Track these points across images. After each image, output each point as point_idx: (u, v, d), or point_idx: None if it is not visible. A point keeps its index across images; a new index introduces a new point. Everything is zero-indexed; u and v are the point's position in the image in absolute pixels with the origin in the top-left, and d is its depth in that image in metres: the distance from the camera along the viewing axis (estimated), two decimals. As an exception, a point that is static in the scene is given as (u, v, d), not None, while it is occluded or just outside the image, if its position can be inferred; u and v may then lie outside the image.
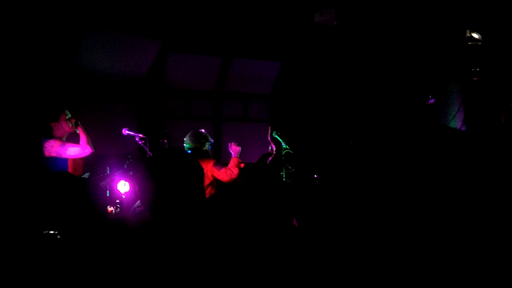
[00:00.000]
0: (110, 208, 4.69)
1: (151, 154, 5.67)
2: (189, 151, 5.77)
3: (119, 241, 2.30)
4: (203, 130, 6.03)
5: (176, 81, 8.54)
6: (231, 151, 6.01)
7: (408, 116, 8.40)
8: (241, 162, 5.89)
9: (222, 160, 7.18)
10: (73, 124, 5.13)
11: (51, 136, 5.12)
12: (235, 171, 5.65)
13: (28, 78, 4.77)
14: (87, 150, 5.14)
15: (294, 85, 9.14)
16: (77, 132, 5.17)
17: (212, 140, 6.07)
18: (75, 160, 5.23)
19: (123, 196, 5.78)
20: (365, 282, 2.15)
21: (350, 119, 8.72)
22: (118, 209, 4.77)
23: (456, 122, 7.51)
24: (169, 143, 6.26)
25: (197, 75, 8.63)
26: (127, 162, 5.56)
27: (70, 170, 5.14)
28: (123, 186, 5.73)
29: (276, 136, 6.43)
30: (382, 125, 8.46)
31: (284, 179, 6.34)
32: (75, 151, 5.09)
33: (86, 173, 5.35)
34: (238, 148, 5.98)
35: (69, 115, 5.25)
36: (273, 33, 8.19)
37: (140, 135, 5.74)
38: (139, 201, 5.71)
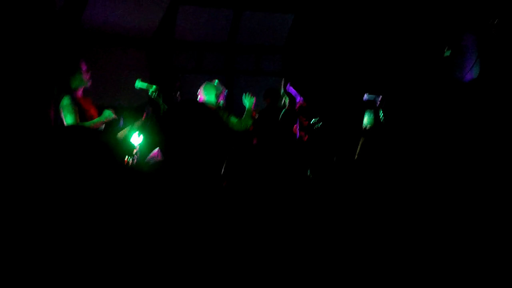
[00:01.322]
0: (127, 159, 4.70)
1: (164, 106, 5.64)
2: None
3: (137, 189, 2.31)
4: (216, 81, 5.99)
5: (187, 34, 8.44)
6: (245, 102, 5.99)
7: (424, 68, 8.28)
8: (254, 112, 5.94)
9: (234, 111, 7.15)
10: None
11: (73, 89, 5.13)
12: (249, 122, 5.70)
13: (40, 34, 4.72)
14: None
15: (308, 38, 8.99)
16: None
17: (227, 91, 6.04)
18: (90, 114, 5.24)
19: (137, 148, 5.80)
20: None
21: (365, 71, 8.61)
22: (135, 159, 4.79)
23: (472, 76, 7.41)
24: (181, 96, 6.21)
25: (208, 28, 8.52)
26: (147, 112, 5.54)
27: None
28: (136, 138, 5.74)
29: (290, 89, 6.39)
30: (398, 78, 8.35)
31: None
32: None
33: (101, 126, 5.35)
34: (254, 99, 5.98)
35: (82, 69, 5.24)
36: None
37: (153, 86, 5.70)
38: (151, 154, 5.75)
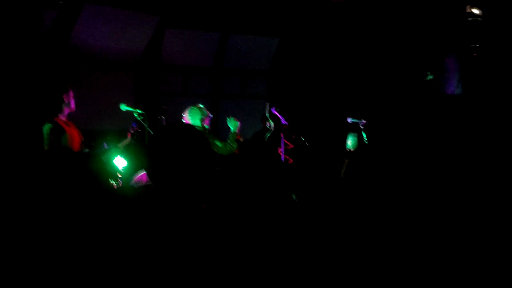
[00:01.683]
0: (112, 182, 4.68)
1: (150, 130, 5.64)
2: (188, 127, 5.78)
3: (125, 212, 2.31)
4: (201, 105, 6.01)
5: (174, 58, 8.48)
6: (230, 126, 6.02)
7: (407, 92, 8.38)
8: (239, 135, 5.96)
9: (219, 136, 7.16)
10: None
11: (60, 111, 5.14)
12: (234, 145, 5.73)
13: (28, 55, 4.71)
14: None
15: (293, 62, 9.08)
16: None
17: (212, 116, 6.07)
18: (74, 137, 5.23)
19: (121, 171, 5.77)
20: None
21: (349, 95, 8.70)
22: (120, 183, 4.77)
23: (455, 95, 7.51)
24: (167, 119, 6.22)
25: (195, 52, 8.58)
26: (131, 130, 5.53)
27: (69, 145, 5.15)
28: (120, 162, 5.71)
29: (276, 113, 6.43)
30: (381, 101, 8.44)
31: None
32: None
33: (84, 150, 5.34)
34: (238, 123, 6.01)
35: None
36: (272, 8, 8.11)
37: (138, 111, 5.71)
38: (135, 178, 5.73)
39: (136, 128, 5.53)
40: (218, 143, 5.66)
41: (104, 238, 2.19)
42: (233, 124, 5.96)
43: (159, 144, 2.28)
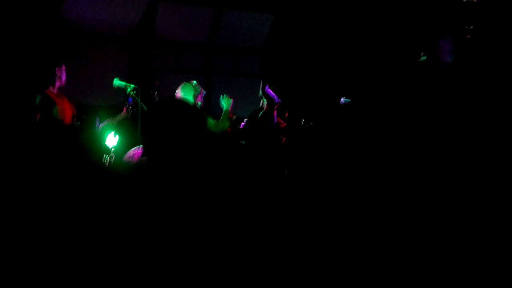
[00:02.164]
0: (104, 157, 4.66)
1: (143, 105, 5.61)
2: (181, 102, 5.75)
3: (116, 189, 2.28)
4: (195, 82, 5.98)
5: (166, 33, 8.40)
6: (222, 104, 6.00)
7: (399, 73, 8.38)
8: (232, 114, 5.93)
9: (212, 113, 7.14)
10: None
11: (46, 85, 5.09)
12: (227, 123, 5.70)
13: (19, 26, 4.66)
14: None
15: (287, 39, 9.02)
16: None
17: (205, 92, 6.04)
18: (65, 110, 5.19)
19: (112, 148, 5.74)
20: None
21: (342, 74, 8.68)
22: (113, 157, 4.75)
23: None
24: (159, 95, 6.20)
25: (188, 27, 8.49)
26: (126, 106, 5.50)
27: (60, 118, 5.11)
28: (112, 139, 5.67)
29: (269, 91, 6.41)
30: (374, 81, 8.43)
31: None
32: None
33: (76, 124, 5.30)
34: (231, 101, 5.98)
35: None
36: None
37: (132, 85, 5.66)
38: (127, 155, 5.71)
39: (131, 104, 5.49)
40: (211, 121, 5.64)
41: (94, 218, 2.18)
42: (226, 102, 5.93)
43: (153, 119, 2.25)
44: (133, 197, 2.14)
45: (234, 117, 5.90)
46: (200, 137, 2.23)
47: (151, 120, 2.27)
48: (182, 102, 2.40)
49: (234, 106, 6.12)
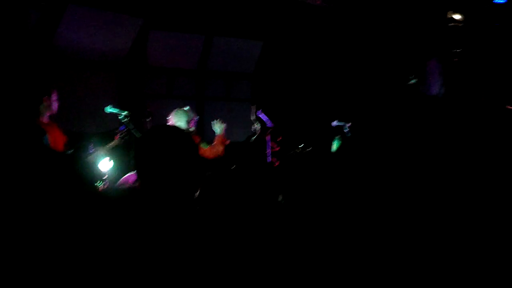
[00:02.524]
0: (98, 184, 4.65)
1: (136, 132, 5.62)
2: (174, 130, 5.77)
3: (110, 215, 2.28)
4: (187, 108, 6.02)
5: (158, 59, 8.45)
6: (215, 129, 6.04)
7: (389, 96, 8.47)
8: (226, 139, 5.96)
9: (205, 138, 7.14)
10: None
11: (37, 114, 5.10)
12: (221, 148, 5.74)
13: (11, 57, 4.67)
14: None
15: (277, 64, 9.10)
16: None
17: (198, 117, 6.07)
18: (55, 139, 5.19)
19: (106, 174, 5.73)
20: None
21: (332, 98, 8.75)
22: (107, 184, 4.74)
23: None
24: (151, 122, 6.20)
25: (179, 54, 8.55)
26: (120, 133, 5.49)
27: (52, 147, 5.10)
28: (106, 164, 5.67)
29: (262, 115, 6.44)
30: (364, 103, 8.51)
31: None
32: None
33: (68, 152, 5.29)
34: (223, 125, 6.02)
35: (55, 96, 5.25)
36: (256, 11, 8.13)
37: (124, 112, 5.68)
38: (121, 181, 5.69)
39: (124, 131, 5.50)
40: (205, 146, 5.67)
41: (89, 242, 2.17)
42: (218, 127, 5.99)
43: (146, 146, 2.26)
44: (126, 221, 2.14)
45: (228, 142, 5.95)
46: (192, 162, 2.25)
47: (144, 147, 2.28)
48: (174, 129, 2.42)
49: (226, 130, 6.15)
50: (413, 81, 8.16)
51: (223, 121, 6.10)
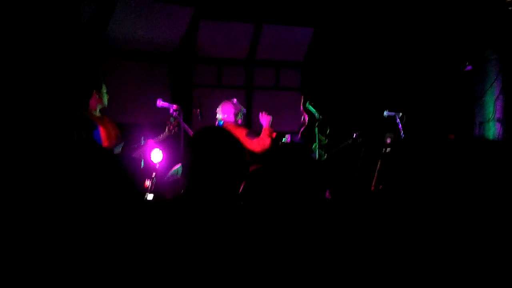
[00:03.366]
0: (147, 182, 4.74)
1: (185, 126, 5.70)
2: (221, 122, 5.81)
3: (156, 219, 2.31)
4: (235, 100, 6.03)
5: (208, 49, 8.49)
6: (262, 121, 6.03)
7: (445, 84, 8.22)
8: (273, 132, 5.91)
9: (252, 128, 7.16)
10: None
11: (87, 107, 5.24)
12: (268, 141, 5.70)
13: (65, 48, 4.78)
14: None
15: (328, 53, 8.97)
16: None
17: (245, 110, 6.08)
18: (108, 132, 5.31)
19: (157, 166, 5.84)
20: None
21: (385, 87, 8.57)
22: (155, 181, 4.82)
23: (494, 91, 7.35)
24: (201, 112, 6.26)
25: (229, 43, 8.57)
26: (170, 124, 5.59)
27: (104, 140, 5.23)
28: (156, 155, 5.78)
29: (309, 107, 6.37)
30: (419, 94, 8.29)
31: (316, 150, 6.31)
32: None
33: (120, 145, 5.41)
34: (269, 118, 5.99)
35: (105, 89, 5.37)
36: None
37: (174, 106, 5.76)
38: (172, 170, 5.78)
39: (174, 123, 5.58)
40: (251, 140, 5.66)
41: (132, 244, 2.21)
42: (265, 120, 5.96)
43: (193, 150, 2.28)
44: (171, 222, 2.17)
45: (275, 134, 5.90)
46: (237, 169, 2.26)
47: (192, 150, 2.31)
48: (222, 133, 2.43)
49: (275, 120, 6.12)
50: (468, 68, 7.89)
51: (270, 113, 6.08)
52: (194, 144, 2.36)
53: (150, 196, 4.69)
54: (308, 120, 6.43)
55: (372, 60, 8.77)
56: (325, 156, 6.43)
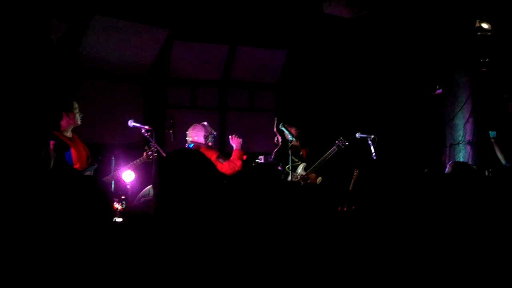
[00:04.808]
0: (116, 205, 4.67)
1: (158, 148, 5.66)
2: (191, 145, 5.82)
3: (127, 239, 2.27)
4: (205, 123, 6.06)
5: (182, 70, 8.49)
6: (232, 144, 6.08)
7: (415, 107, 8.35)
8: (243, 154, 5.97)
9: (226, 149, 7.15)
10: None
11: (58, 128, 5.16)
12: (238, 163, 5.78)
13: (35, 68, 4.72)
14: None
15: (301, 75, 9.05)
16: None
17: (215, 133, 6.12)
18: (79, 153, 5.24)
19: (128, 186, 5.78)
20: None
21: (356, 109, 8.67)
22: (124, 205, 4.75)
23: (464, 114, 7.47)
24: (174, 133, 6.23)
25: (203, 64, 8.58)
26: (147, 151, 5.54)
27: (74, 162, 5.15)
28: (128, 176, 5.72)
29: (283, 128, 6.40)
30: (389, 115, 8.41)
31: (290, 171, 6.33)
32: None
33: (92, 167, 5.34)
34: (240, 140, 6.07)
35: (77, 108, 5.30)
36: (280, 21, 8.10)
37: (146, 127, 5.72)
38: (143, 191, 5.72)
39: (154, 148, 5.54)
40: (222, 162, 5.69)
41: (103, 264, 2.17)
42: (235, 142, 6.03)
43: (165, 171, 2.27)
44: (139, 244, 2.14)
45: (245, 157, 5.96)
46: (208, 189, 2.25)
47: (164, 172, 2.29)
48: (194, 155, 2.42)
49: (249, 141, 6.15)
50: (439, 91, 8.03)
51: (242, 134, 6.12)
52: (166, 165, 2.35)
53: (119, 219, 4.62)
54: (281, 141, 6.44)
55: (344, 82, 8.87)
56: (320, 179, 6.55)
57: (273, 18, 8.01)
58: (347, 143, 6.55)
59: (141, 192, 5.75)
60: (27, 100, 4.85)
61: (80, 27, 7.19)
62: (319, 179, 6.62)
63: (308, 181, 6.50)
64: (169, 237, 2.14)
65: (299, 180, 6.45)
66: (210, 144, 5.96)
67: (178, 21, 7.90)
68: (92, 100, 7.35)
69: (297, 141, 6.51)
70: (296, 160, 6.54)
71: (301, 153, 6.68)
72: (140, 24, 7.68)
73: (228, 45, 8.60)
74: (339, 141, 6.58)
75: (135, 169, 5.55)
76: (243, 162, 5.86)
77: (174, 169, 2.27)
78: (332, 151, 6.58)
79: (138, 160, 5.59)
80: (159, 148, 5.67)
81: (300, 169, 6.56)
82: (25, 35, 4.61)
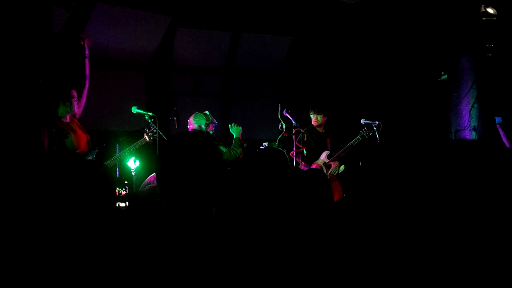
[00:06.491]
0: (119, 190, 4.68)
1: (161, 134, 5.68)
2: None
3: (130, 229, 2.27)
4: (207, 112, 6.12)
5: (185, 58, 8.46)
6: (232, 132, 6.19)
7: (420, 92, 8.30)
8: (242, 141, 6.12)
9: (230, 135, 7.14)
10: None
11: (56, 115, 5.18)
12: (238, 150, 5.93)
13: (38, 56, 4.70)
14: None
15: (305, 62, 9.00)
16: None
17: (216, 122, 6.18)
18: (78, 138, 5.26)
19: (133, 173, 5.80)
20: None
21: (362, 95, 8.62)
22: (127, 191, 4.77)
23: (469, 100, 7.43)
24: (178, 120, 6.23)
25: (206, 51, 8.54)
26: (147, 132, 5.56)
27: (76, 147, 5.17)
28: (133, 163, 5.76)
29: (287, 114, 6.42)
30: (394, 101, 8.36)
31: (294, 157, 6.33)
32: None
33: (94, 152, 5.35)
34: (240, 128, 6.18)
35: (74, 96, 5.32)
36: (284, 7, 8.04)
37: (149, 113, 5.73)
38: (148, 179, 5.73)
39: (152, 131, 5.58)
40: (223, 149, 5.82)
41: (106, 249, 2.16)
42: (235, 130, 6.17)
43: (168, 154, 2.24)
44: (145, 228, 2.13)
45: (245, 144, 6.08)
46: (215, 169, 2.22)
47: (166, 154, 2.26)
48: (197, 135, 2.40)
49: (253, 128, 6.19)
50: (444, 77, 7.98)
51: (246, 122, 6.18)
52: (170, 148, 2.31)
53: (122, 204, 4.63)
54: (285, 128, 6.43)
55: (349, 69, 8.82)
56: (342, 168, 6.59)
57: (276, 4, 7.95)
58: (371, 134, 6.57)
59: (146, 180, 5.77)
60: (28, 89, 4.86)
61: (83, 15, 7.17)
62: (342, 167, 6.66)
63: (331, 169, 6.57)
64: (174, 223, 2.12)
65: (321, 167, 6.50)
66: (210, 131, 6.02)
67: (181, 8, 7.85)
68: (95, 88, 7.32)
69: (323, 129, 6.69)
70: (300, 147, 6.53)
71: (305, 139, 6.67)
72: (143, 11, 7.65)
73: (231, 31, 8.55)
74: (363, 131, 6.61)
75: (138, 153, 5.57)
76: (244, 149, 6.00)
77: (178, 151, 2.23)
78: (356, 141, 6.61)
79: (138, 142, 5.62)
80: (160, 133, 5.68)
81: (323, 157, 6.66)
82: (26, 23, 4.60)
